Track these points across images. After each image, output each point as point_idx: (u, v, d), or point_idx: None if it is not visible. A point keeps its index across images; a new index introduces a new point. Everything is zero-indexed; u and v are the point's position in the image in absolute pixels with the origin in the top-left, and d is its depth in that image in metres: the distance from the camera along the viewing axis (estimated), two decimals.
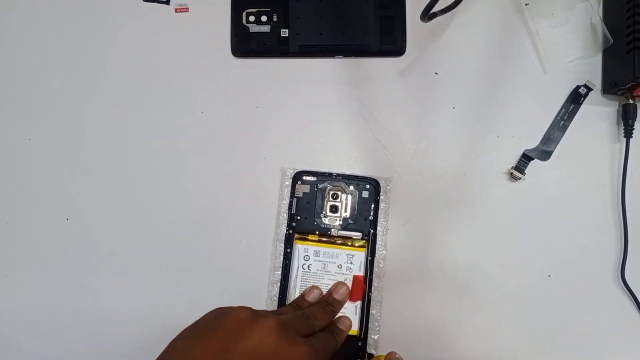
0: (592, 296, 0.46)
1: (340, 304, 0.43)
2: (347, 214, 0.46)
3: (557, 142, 0.47)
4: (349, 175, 0.47)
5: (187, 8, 0.50)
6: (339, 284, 0.44)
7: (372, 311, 0.44)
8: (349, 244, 0.45)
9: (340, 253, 0.45)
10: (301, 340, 0.33)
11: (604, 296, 0.46)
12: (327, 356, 0.37)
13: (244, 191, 0.48)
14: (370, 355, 0.44)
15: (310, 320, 0.38)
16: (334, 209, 0.46)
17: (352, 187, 0.46)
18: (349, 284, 0.45)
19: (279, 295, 0.45)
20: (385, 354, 0.42)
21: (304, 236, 0.46)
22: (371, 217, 0.46)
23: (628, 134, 0.46)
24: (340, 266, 0.45)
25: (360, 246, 0.45)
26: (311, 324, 0.38)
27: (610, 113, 0.47)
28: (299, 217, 0.46)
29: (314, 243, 0.46)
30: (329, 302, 0.42)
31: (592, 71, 0.48)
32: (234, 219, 0.47)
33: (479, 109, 0.48)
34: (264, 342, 0.30)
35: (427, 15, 0.42)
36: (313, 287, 0.44)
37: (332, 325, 0.41)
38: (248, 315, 0.32)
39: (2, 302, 0.47)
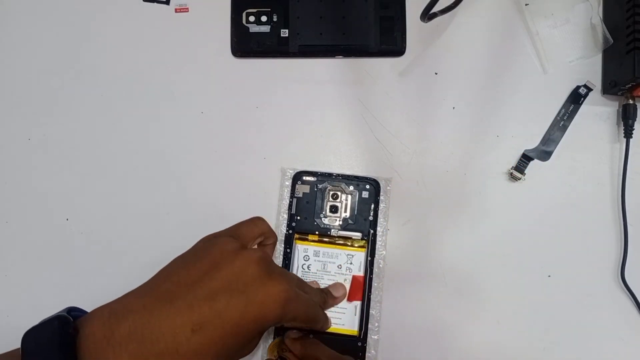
0: (592, 296, 0.46)
1: (335, 300, 0.43)
2: (347, 214, 0.46)
3: (557, 142, 0.47)
4: (348, 176, 0.47)
5: (187, 8, 0.50)
6: (337, 283, 0.44)
7: (372, 311, 0.44)
8: (349, 244, 0.45)
9: (340, 253, 0.45)
10: (282, 278, 0.32)
11: (604, 296, 0.45)
12: (309, 312, 0.36)
13: (244, 191, 0.48)
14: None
15: (300, 283, 0.37)
16: (334, 209, 0.46)
17: (352, 188, 0.46)
18: (349, 284, 0.45)
19: None
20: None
21: (303, 236, 0.46)
22: (371, 218, 0.46)
23: (628, 134, 0.46)
24: (340, 266, 0.45)
25: (360, 246, 0.45)
26: (299, 284, 0.37)
27: (610, 113, 0.47)
28: (298, 217, 0.46)
29: (314, 243, 0.46)
30: (324, 292, 0.43)
31: (592, 71, 0.48)
32: (234, 219, 0.47)
33: (479, 109, 0.48)
34: (244, 270, 0.31)
35: (427, 15, 0.42)
36: (312, 282, 0.44)
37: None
38: (234, 247, 0.33)
39: (2, 302, 0.47)
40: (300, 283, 0.37)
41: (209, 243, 0.34)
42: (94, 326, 0.29)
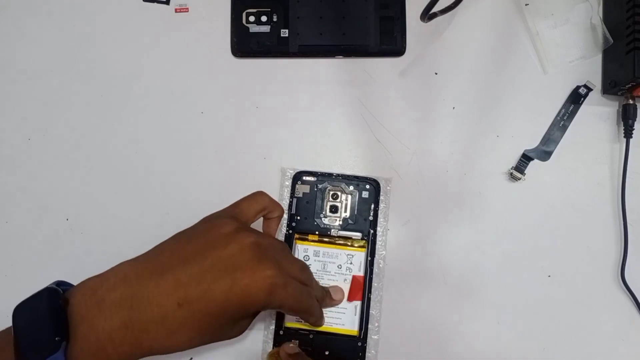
0: (592, 296, 0.46)
1: (332, 302, 0.43)
2: (347, 214, 0.46)
3: (557, 142, 0.47)
4: (348, 176, 0.47)
5: (187, 8, 0.50)
6: (338, 287, 0.44)
7: (372, 311, 0.44)
8: (349, 244, 0.45)
9: (340, 253, 0.45)
10: (271, 265, 0.32)
11: (604, 296, 0.46)
12: (300, 303, 0.35)
13: (244, 191, 0.47)
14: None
15: (301, 272, 0.36)
16: (334, 209, 0.46)
17: (352, 188, 0.46)
18: (349, 284, 0.45)
19: None
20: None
21: (303, 236, 0.46)
22: (371, 217, 0.46)
23: (628, 134, 0.46)
24: (340, 266, 0.45)
25: (360, 246, 0.45)
26: (301, 274, 0.36)
27: (610, 113, 0.47)
28: (298, 217, 0.46)
29: (314, 243, 0.46)
30: (325, 290, 0.43)
31: (592, 71, 0.48)
32: None
33: (479, 109, 0.48)
34: (235, 255, 0.32)
35: (427, 15, 0.42)
36: None
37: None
38: (230, 230, 0.34)
39: (2, 302, 0.47)
40: (301, 273, 0.36)
41: (207, 224, 0.35)
42: (85, 293, 0.31)
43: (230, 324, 0.33)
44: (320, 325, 0.42)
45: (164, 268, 0.32)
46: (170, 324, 0.30)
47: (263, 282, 0.32)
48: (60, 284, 0.33)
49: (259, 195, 0.39)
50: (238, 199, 0.39)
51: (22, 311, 0.30)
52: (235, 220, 0.35)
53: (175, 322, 0.30)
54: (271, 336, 0.44)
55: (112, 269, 0.33)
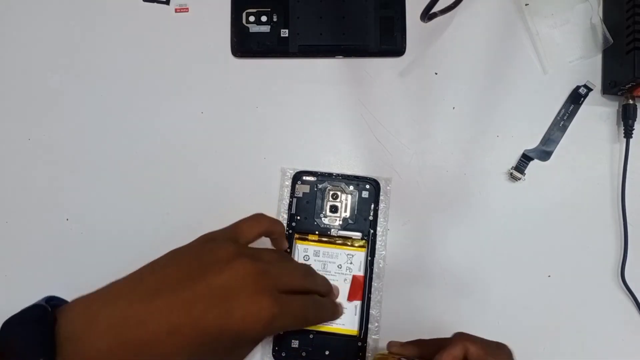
0: (592, 296, 0.46)
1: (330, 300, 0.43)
2: (347, 214, 0.46)
3: (557, 142, 0.47)
4: (348, 176, 0.47)
5: (187, 8, 0.50)
6: (334, 286, 0.44)
7: (372, 311, 0.44)
8: (349, 244, 0.45)
9: (340, 253, 0.45)
10: (268, 294, 0.31)
11: (604, 296, 0.46)
12: (302, 321, 0.35)
13: (244, 191, 0.48)
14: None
15: (305, 276, 0.36)
16: (334, 209, 0.46)
17: (352, 187, 0.46)
18: (349, 284, 0.45)
19: None
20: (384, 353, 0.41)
21: (303, 236, 0.46)
22: (371, 217, 0.46)
23: (628, 134, 0.46)
24: (340, 266, 0.45)
25: (360, 246, 0.45)
26: (305, 276, 0.36)
27: (610, 113, 0.47)
28: (298, 217, 0.46)
29: (314, 243, 0.46)
30: (329, 284, 0.42)
31: (592, 71, 0.48)
32: (234, 219, 0.47)
33: (479, 109, 0.48)
34: (231, 283, 0.31)
35: (427, 15, 0.42)
36: None
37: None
38: (228, 255, 0.32)
39: (2, 302, 0.47)
40: (304, 279, 0.36)
41: (204, 245, 0.34)
42: (74, 314, 0.30)
43: (227, 353, 0.32)
44: (339, 317, 0.42)
45: (155, 291, 0.30)
46: (162, 349, 0.29)
47: (259, 314, 0.30)
48: (50, 299, 0.32)
49: (260, 217, 0.38)
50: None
51: (9, 328, 0.29)
52: (233, 244, 0.34)
53: (167, 349, 0.29)
54: (271, 336, 0.44)
55: (103, 288, 0.32)
